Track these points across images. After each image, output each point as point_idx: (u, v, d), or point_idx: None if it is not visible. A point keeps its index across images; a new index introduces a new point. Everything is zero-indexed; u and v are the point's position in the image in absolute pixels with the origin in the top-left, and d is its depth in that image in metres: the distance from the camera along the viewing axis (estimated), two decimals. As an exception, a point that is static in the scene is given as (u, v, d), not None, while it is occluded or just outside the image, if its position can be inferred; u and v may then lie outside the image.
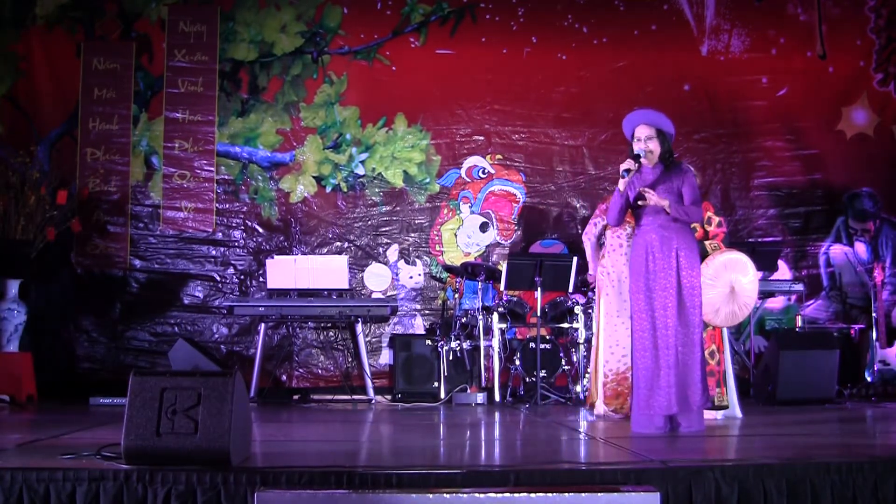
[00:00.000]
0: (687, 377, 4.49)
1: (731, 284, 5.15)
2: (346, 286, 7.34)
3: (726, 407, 5.44)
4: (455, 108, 8.33)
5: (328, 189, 8.16)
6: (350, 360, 7.91)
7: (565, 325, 7.06)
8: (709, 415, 5.33)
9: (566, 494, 2.91)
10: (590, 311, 6.68)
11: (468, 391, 6.97)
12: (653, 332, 4.52)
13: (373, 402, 7.23)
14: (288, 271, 7.29)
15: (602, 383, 5.63)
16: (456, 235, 8.23)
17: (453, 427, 5.39)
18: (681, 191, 4.62)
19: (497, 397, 6.75)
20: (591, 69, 8.41)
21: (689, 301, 4.56)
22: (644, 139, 4.63)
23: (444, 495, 2.92)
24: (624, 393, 5.56)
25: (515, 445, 4.43)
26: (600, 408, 5.61)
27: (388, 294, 8.00)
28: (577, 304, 6.97)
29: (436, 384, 7.19)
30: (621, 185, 4.58)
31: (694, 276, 4.59)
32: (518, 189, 8.32)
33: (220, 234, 8.06)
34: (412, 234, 8.20)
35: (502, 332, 6.98)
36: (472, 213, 8.25)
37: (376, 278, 8.09)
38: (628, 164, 4.56)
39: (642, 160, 4.65)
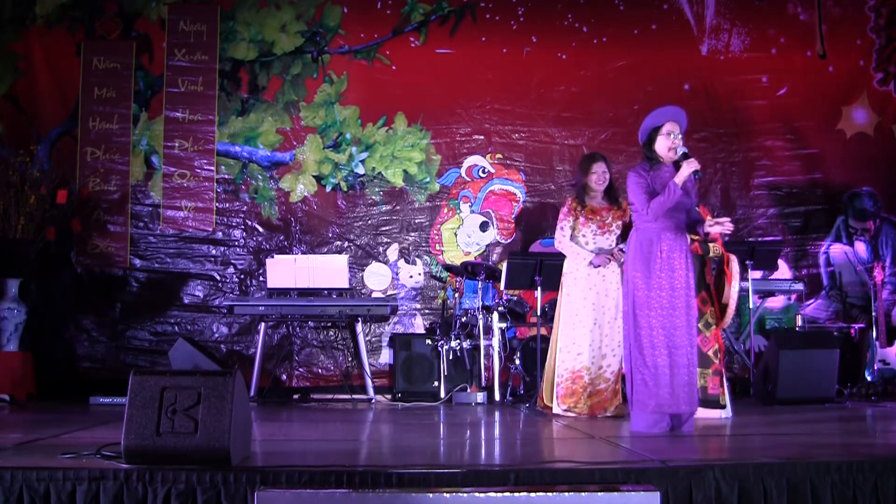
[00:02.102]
0: (692, 377, 4.54)
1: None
2: (346, 285, 7.34)
3: (724, 406, 5.45)
4: (455, 107, 8.33)
5: (328, 188, 8.17)
6: (350, 359, 7.91)
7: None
8: (713, 413, 5.35)
9: (566, 494, 2.91)
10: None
11: (468, 390, 6.96)
12: (669, 329, 4.51)
13: (373, 401, 7.23)
14: (288, 271, 7.30)
15: (556, 382, 5.64)
16: (456, 235, 8.23)
17: (453, 426, 5.39)
18: (689, 190, 4.69)
19: (497, 397, 6.75)
20: (591, 68, 8.42)
21: (693, 301, 4.63)
22: (675, 136, 4.64)
23: (444, 495, 2.92)
24: (577, 392, 5.60)
25: (515, 445, 4.43)
26: (557, 408, 5.64)
27: (388, 293, 8.00)
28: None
29: (436, 383, 7.20)
30: (679, 180, 4.51)
31: (692, 277, 4.65)
32: (518, 188, 8.32)
33: (221, 233, 8.06)
34: (412, 234, 8.20)
35: (502, 331, 6.97)
36: (473, 212, 8.25)
37: (376, 277, 8.09)
38: (696, 164, 4.52)
39: (663, 159, 4.67)
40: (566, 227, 5.82)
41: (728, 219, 4.71)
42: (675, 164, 4.67)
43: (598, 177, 5.80)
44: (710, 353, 5.45)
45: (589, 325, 5.66)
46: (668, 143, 4.64)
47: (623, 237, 5.82)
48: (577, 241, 5.80)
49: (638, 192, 4.63)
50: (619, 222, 5.81)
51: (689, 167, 4.52)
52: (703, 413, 5.32)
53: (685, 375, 4.50)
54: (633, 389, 4.62)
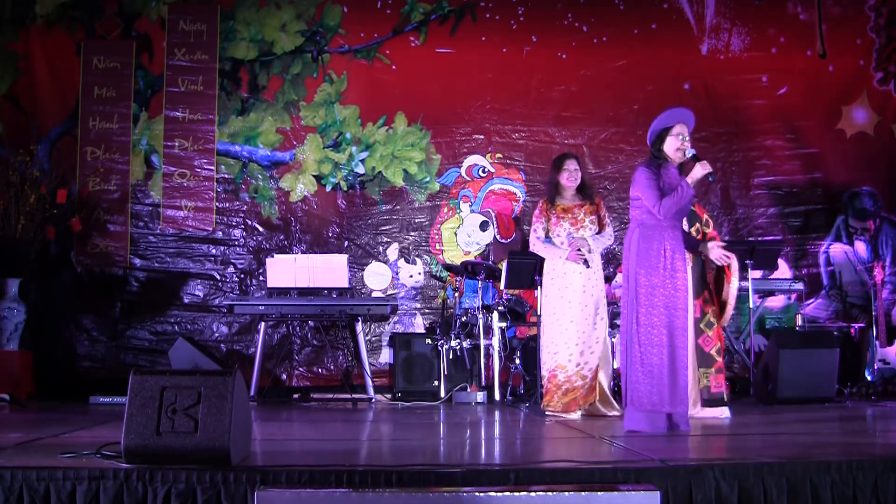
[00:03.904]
0: (687, 378, 4.56)
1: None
2: (346, 285, 7.33)
3: (727, 403, 5.46)
4: (455, 106, 8.34)
5: (328, 188, 8.17)
6: (350, 358, 7.91)
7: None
8: (717, 412, 5.36)
9: (566, 493, 2.91)
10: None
11: (468, 390, 6.97)
12: (670, 329, 4.51)
13: (373, 400, 7.23)
14: (288, 270, 7.29)
15: (553, 384, 5.59)
16: (456, 234, 8.23)
17: (453, 426, 5.39)
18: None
19: (497, 396, 6.75)
20: (591, 68, 8.42)
21: (689, 303, 4.67)
22: (684, 138, 4.66)
23: (444, 494, 2.92)
24: (552, 390, 5.56)
25: (515, 444, 4.43)
26: (555, 407, 5.59)
27: (388, 293, 8.00)
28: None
29: (436, 383, 7.19)
30: (692, 180, 4.55)
31: (690, 280, 4.69)
32: (518, 188, 8.32)
33: (221, 232, 8.06)
34: (412, 233, 8.20)
35: (502, 330, 6.97)
36: (472, 211, 8.25)
37: (376, 277, 8.09)
38: (708, 166, 4.57)
39: (671, 159, 4.70)
40: (539, 229, 5.79)
41: (734, 256, 4.77)
42: (679, 166, 4.69)
43: (570, 174, 5.76)
44: (713, 351, 5.45)
45: (565, 323, 5.60)
46: (677, 144, 4.66)
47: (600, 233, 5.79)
48: (552, 242, 5.76)
49: (649, 189, 4.60)
50: (594, 217, 5.77)
51: (704, 169, 4.54)
52: (707, 412, 5.33)
53: (684, 377, 4.51)
54: (629, 388, 4.60)
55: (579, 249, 5.63)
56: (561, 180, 5.78)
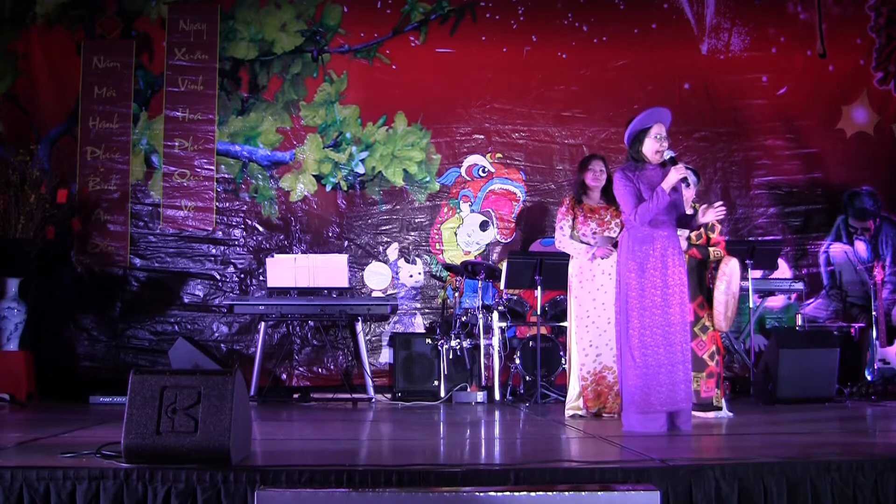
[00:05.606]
0: (688, 373, 4.57)
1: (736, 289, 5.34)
2: (346, 285, 7.34)
3: (720, 408, 5.45)
4: (455, 106, 8.33)
5: (328, 188, 8.17)
6: (350, 358, 7.91)
7: (565, 324, 7.04)
8: (708, 415, 5.35)
9: (566, 493, 2.91)
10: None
11: (468, 390, 6.97)
12: (664, 327, 4.51)
13: (373, 400, 7.23)
14: (288, 270, 7.29)
15: (581, 386, 5.58)
16: (456, 234, 8.23)
17: (453, 426, 5.39)
18: (676, 187, 4.72)
19: (497, 396, 6.75)
20: (592, 68, 8.42)
21: (686, 298, 4.66)
22: (663, 139, 4.66)
23: (444, 494, 2.92)
24: (604, 392, 5.54)
25: (515, 444, 4.43)
26: (578, 409, 5.56)
27: (389, 293, 8.00)
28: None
29: (436, 383, 7.20)
30: (667, 186, 4.54)
31: (686, 274, 4.69)
32: (518, 188, 8.32)
33: (221, 232, 8.06)
34: (412, 233, 8.20)
35: (502, 330, 6.97)
36: (473, 211, 8.25)
37: (376, 277, 8.09)
38: (683, 171, 4.55)
39: (650, 160, 4.69)
40: (565, 227, 5.77)
41: (720, 203, 4.73)
42: (662, 163, 4.68)
43: (595, 174, 5.77)
44: (706, 356, 5.44)
45: (603, 325, 5.56)
46: (656, 146, 4.66)
47: None
48: (577, 241, 5.75)
49: (626, 195, 4.65)
50: (618, 220, 5.77)
51: (678, 174, 4.54)
52: (696, 415, 5.33)
53: (681, 372, 4.51)
54: (624, 389, 4.62)
55: (612, 248, 5.63)
56: (586, 180, 5.80)
